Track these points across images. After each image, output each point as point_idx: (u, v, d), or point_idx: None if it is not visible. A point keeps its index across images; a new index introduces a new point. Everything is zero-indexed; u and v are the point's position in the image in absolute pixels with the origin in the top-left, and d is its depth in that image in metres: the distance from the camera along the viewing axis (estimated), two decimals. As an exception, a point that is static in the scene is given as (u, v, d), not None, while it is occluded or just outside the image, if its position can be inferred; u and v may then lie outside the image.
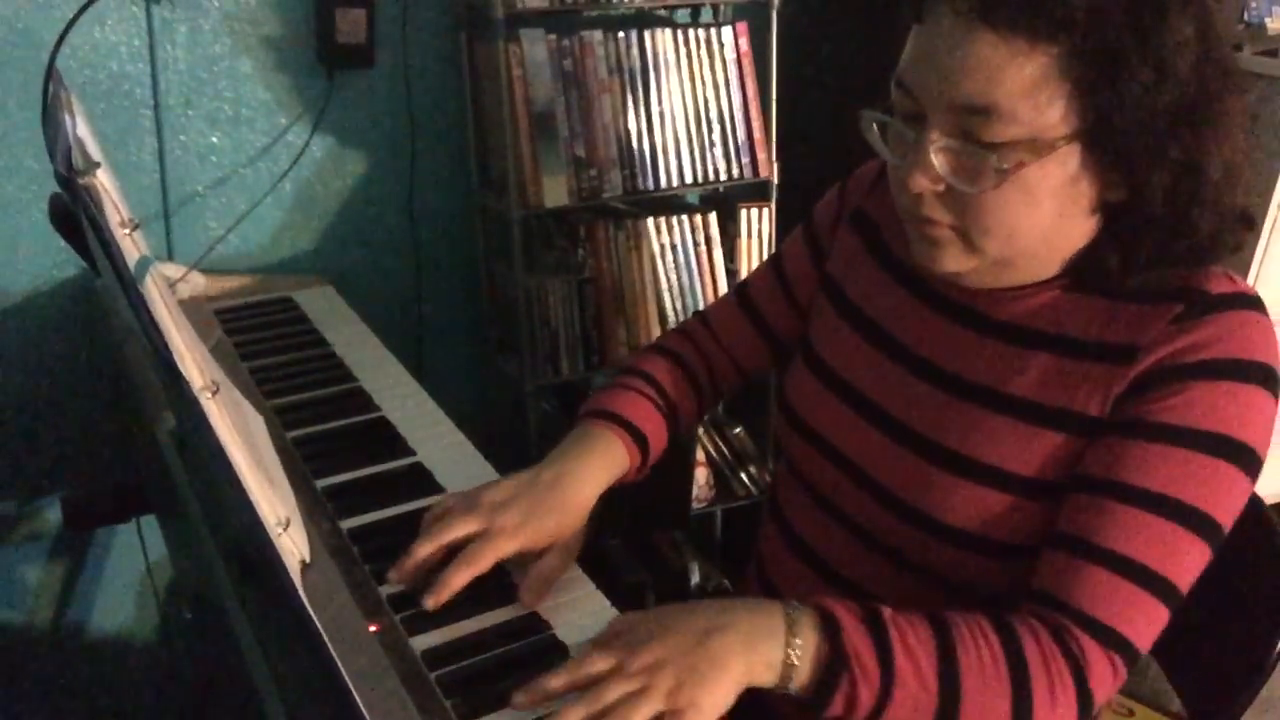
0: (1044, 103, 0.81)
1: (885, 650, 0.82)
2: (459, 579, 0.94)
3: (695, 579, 1.96)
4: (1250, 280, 2.19)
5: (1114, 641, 0.84)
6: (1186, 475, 0.84)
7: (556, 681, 0.83)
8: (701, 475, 2.05)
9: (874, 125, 0.92)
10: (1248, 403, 0.85)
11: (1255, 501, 1.09)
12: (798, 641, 0.82)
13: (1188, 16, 0.81)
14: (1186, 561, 0.85)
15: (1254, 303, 0.88)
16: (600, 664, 0.83)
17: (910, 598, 0.97)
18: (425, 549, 0.96)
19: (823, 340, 1.09)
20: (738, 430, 2.11)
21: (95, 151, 0.94)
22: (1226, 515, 0.86)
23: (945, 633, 0.83)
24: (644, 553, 2.00)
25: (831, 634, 0.82)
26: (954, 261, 0.91)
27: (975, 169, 0.85)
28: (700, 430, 2.05)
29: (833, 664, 0.81)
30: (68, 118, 0.87)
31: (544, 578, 0.98)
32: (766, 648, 0.82)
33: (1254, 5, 2.24)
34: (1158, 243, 0.87)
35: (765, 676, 0.82)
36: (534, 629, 0.94)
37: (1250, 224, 0.90)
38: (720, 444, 2.11)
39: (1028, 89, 0.81)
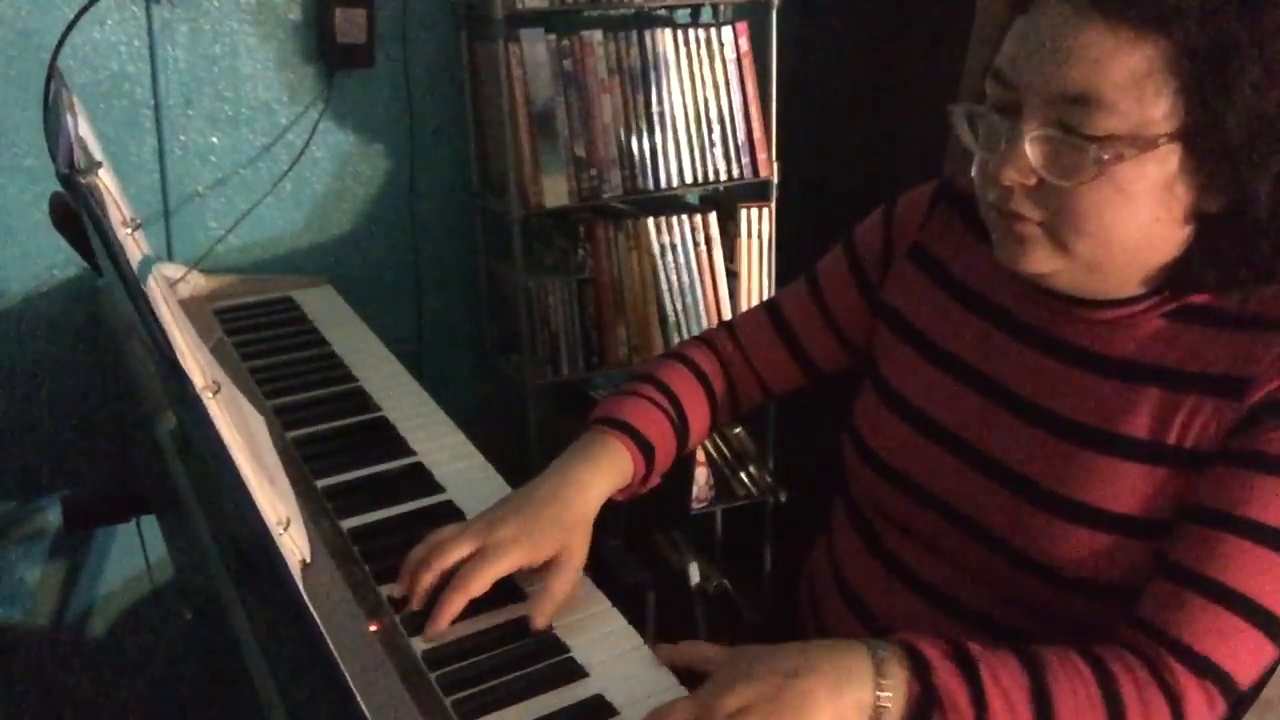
0: (1148, 97, 0.79)
1: (977, 688, 0.79)
2: (454, 605, 0.92)
3: (695, 579, 1.95)
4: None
5: (1210, 672, 0.81)
6: None
7: None
8: (701, 475, 2.05)
9: (965, 119, 0.90)
10: None
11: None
12: (886, 683, 0.79)
13: None
14: None
15: None
16: (680, 714, 0.80)
17: (1008, 619, 0.95)
18: (426, 580, 0.94)
19: (893, 371, 1.05)
20: (738, 430, 2.11)
21: (96, 151, 0.94)
22: None
23: (1037, 668, 0.81)
24: (644, 553, 2.00)
25: (921, 672, 0.79)
26: (1040, 262, 0.87)
27: (1071, 161, 0.82)
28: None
29: (924, 704, 0.79)
30: (69, 117, 0.87)
31: (552, 597, 0.94)
32: (855, 690, 0.79)
33: None
34: (1255, 256, 0.83)
35: None
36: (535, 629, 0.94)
37: None
38: (720, 444, 2.11)
39: (1133, 81, 0.79)
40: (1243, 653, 0.81)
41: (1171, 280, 0.88)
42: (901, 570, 1.03)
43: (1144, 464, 0.87)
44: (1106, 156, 0.80)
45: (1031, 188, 0.85)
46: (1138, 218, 0.83)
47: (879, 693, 0.79)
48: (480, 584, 0.92)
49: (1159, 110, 0.79)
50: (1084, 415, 0.91)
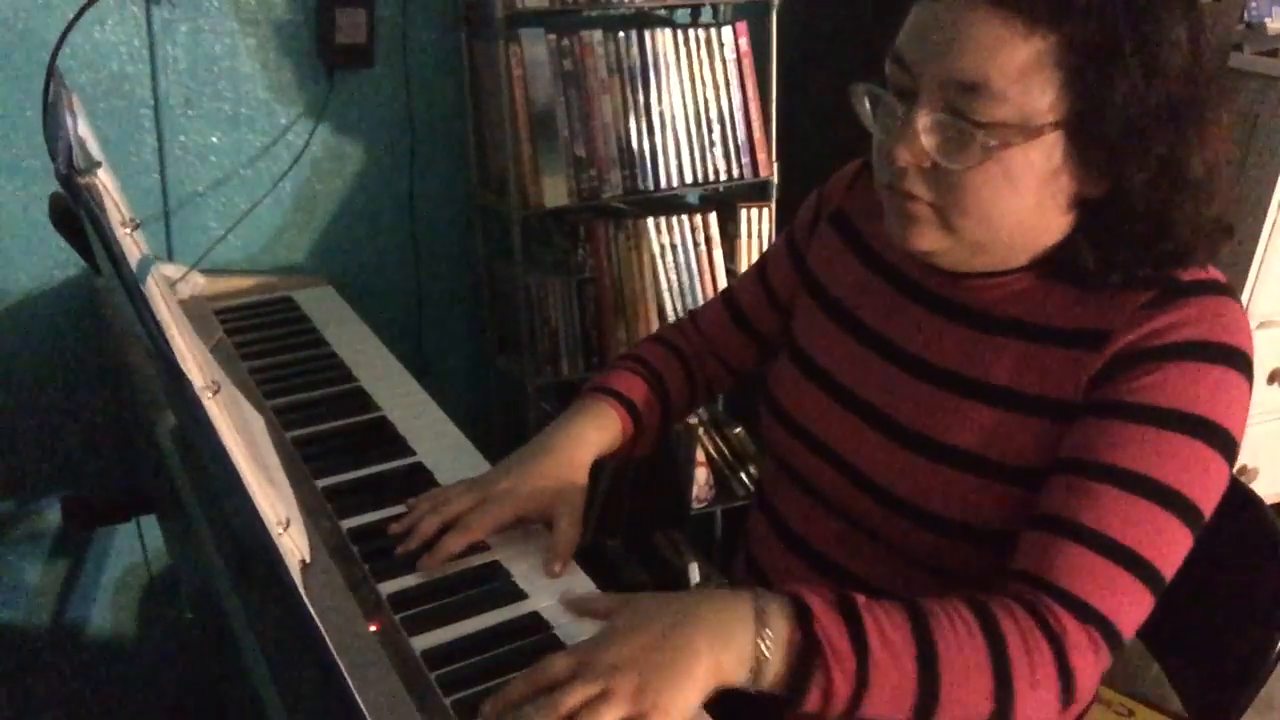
0: (1035, 87, 0.83)
1: (860, 635, 0.80)
2: (455, 544, 0.99)
3: (695, 579, 1.96)
4: (1250, 280, 2.19)
5: (1091, 616, 0.83)
6: (1161, 454, 0.84)
7: (517, 691, 0.81)
8: (701, 475, 2.05)
9: (865, 99, 0.93)
10: (1221, 384, 0.86)
11: (1255, 501, 1.09)
12: (768, 632, 0.80)
13: (1182, 20, 0.83)
14: (1164, 542, 0.84)
15: (1224, 289, 0.89)
16: (560, 666, 0.80)
17: (897, 584, 0.99)
18: (427, 528, 1.00)
19: (805, 334, 1.11)
20: (738, 430, 2.11)
21: (96, 151, 0.94)
22: (1205, 498, 0.86)
23: (921, 616, 0.82)
24: (644, 553, 2.01)
25: (803, 622, 0.80)
26: (928, 240, 0.91)
27: (961, 146, 0.86)
28: (700, 430, 2.05)
29: (806, 653, 0.79)
30: (68, 117, 0.87)
31: (565, 543, 1.01)
32: (736, 640, 0.80)
33: (1254, 5, 2.24)
34: (1133, 243, 0.88)
35: (736, 672, 0.80)
36: (534, 629, 0.94)
37: (1229, 233, 0.91)
38: (720, 444, 2.10)
39: (1021, 71, 0.82)
40: (1119, 598, 0.84)
41: (1053, 259, 0.92)
42: (802, 546, 1.08)
43: (1011, 411, 0.92)
44: (994, 143, 0.84)
45: (924, 169, 0.88)
46: (1022, 202, 0.87)
47: (760, 642, 0.80)
48: (481, 527, 1.00)
49: (1045, 100, 0.83)
50: (951, 362, 0.96)
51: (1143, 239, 0.87)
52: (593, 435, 1.09)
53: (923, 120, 0.86)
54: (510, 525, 1.03)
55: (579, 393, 1.17)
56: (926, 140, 0.87)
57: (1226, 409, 0.86)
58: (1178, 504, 0.84)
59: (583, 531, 1.03)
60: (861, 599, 0.83)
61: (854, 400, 1.02)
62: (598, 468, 1.12)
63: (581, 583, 1.01)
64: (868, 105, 0.93)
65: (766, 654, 0.80)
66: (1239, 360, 0.86)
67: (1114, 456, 0.85)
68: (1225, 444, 0.86)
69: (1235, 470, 0.90)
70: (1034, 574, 0.85)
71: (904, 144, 0.87)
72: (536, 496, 1.03)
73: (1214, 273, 0.90)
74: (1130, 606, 0.84)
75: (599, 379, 1.17)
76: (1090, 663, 0.83)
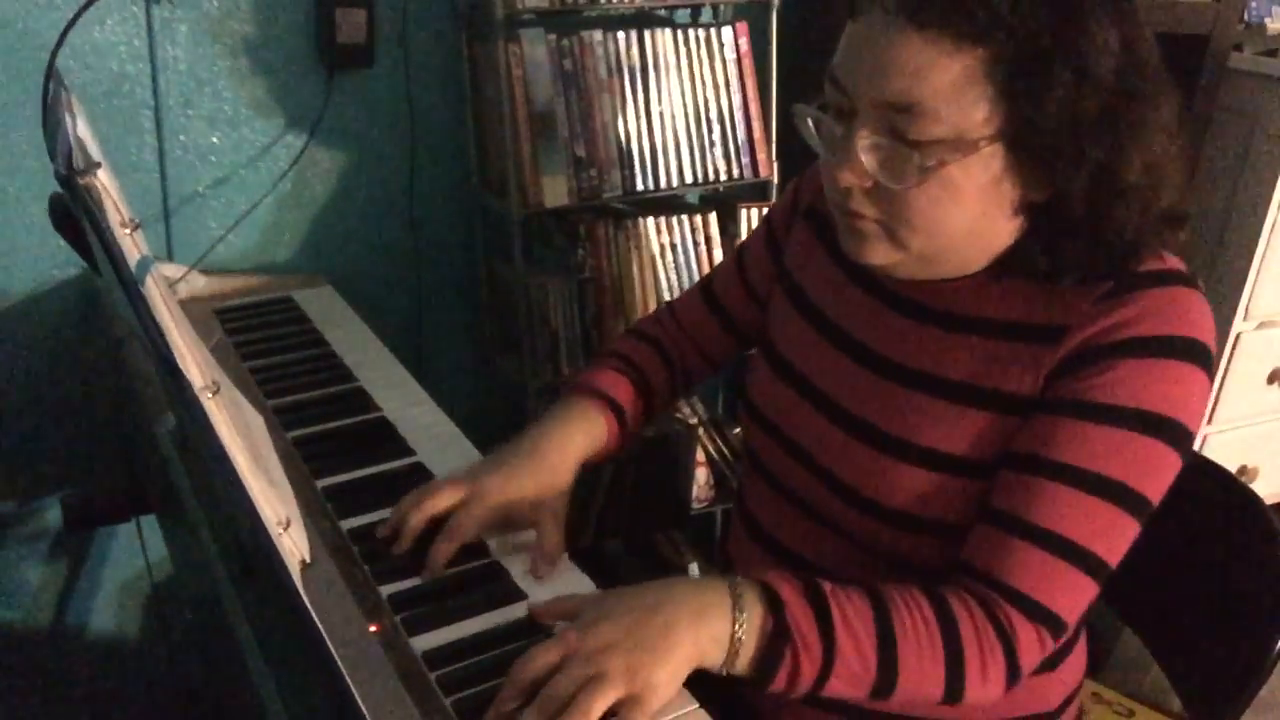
0: (968, 104, 0.83)
1: (826, 623, 0.84)
2: (445, 552, 0.99)
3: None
4: (1250, 280, 2.19)
5: (1041, 615, 0.87)
6: (1113, 451, 0.86)
7: (508, 696, 0.82)
8: (701, 475, 2.05)
9: (808, 119, 0.94)
10: (1176, 378, 0.86)
11: (1255, 501, 1.09)
12: (743, 616, 0.83)
13: (1110, 22, 0.83)
14: (1112, 535, 0.87)
15: (1183, 278, 0.89)
16: (546, 657, 0.82)
17: (863, 579, 0.98)
18: (413, 522, 1.01)
19: (779, 333, 1.12)
20: (738, 430, 2.11)
21: (95, 151, 0.94)
22: (1154, 490, 0.88)
23: (882, 605, 0.86)
24: (644, 553, 2.01)
25: (775, 608, 0.84)
26: (880, 254, 0.92)
27: (900, 166, 0.86)
28: (700, 430, 2.05)
29: (776, 638, 0.83)
30: (68, 117, 0.87)
31: (550, 547, 1.01)
32: (714, 623, 0.83)
33: (1254, 5, 2.24)
34: (1082, 242, 0.88)
35: (713, 653, 0.83)
36: (534, 629, 0.94)
37: (1182, 222, 0.91)
38: (720, 444, 2.10)
39: (952, 89, 0.83)
40: (1067, 592, 0.87)
41: (1005, 263, 0.93)
42: (771, 543, 1.09)
43: (965, 406, 0.93)
44: (931, 163, 0.85)
45: (868, 188, 0.89)
46: (967, 213, 0.88)
47: (736, 626, 0.83)
48: (465, 530, 1.00)
49: (979, 115, 0.83)
50: (912, 361, 0.97)
51: (1088, 240, 0.88)
52: (579, 439, 1.10)
53: (861, 142, 0.87)
54: (493, 525, 1.03)
55: (565, 390, 1.17)
56: (867, 161, 0.87)
57: (1183, 403, 0.87)
58: (1128, 499, 0.87)
59: (576, 534, 1.04)
60: (828, 587, 0.87)
61: (824, 400, 1.03)
62: (594, 470, 1.13)
63: (581, 583, 1.01)
64: (811, 126, 0.94)
65: (741, 638, 0.83)
66: (1197, 352, 0.87)
67: (1066, 454, 0.87)
68: (1179, 438, 0.87)
69: (1235, 470, 0.90)
70: (985, 571, 0.88)
71: (845, 165, 0.88)
72: (520, 498, 1.03)
73: (1172, 261, 0.90)
74: (1077, 599, 0.88)
75: (584, 376, 1.18)
76: (1036, 657, 0.88)
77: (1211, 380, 0.89)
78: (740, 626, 0.83)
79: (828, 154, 0.92)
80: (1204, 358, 0.88)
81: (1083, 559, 0.86)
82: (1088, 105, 0.83)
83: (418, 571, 0.99)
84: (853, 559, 1.01)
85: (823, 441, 1.02)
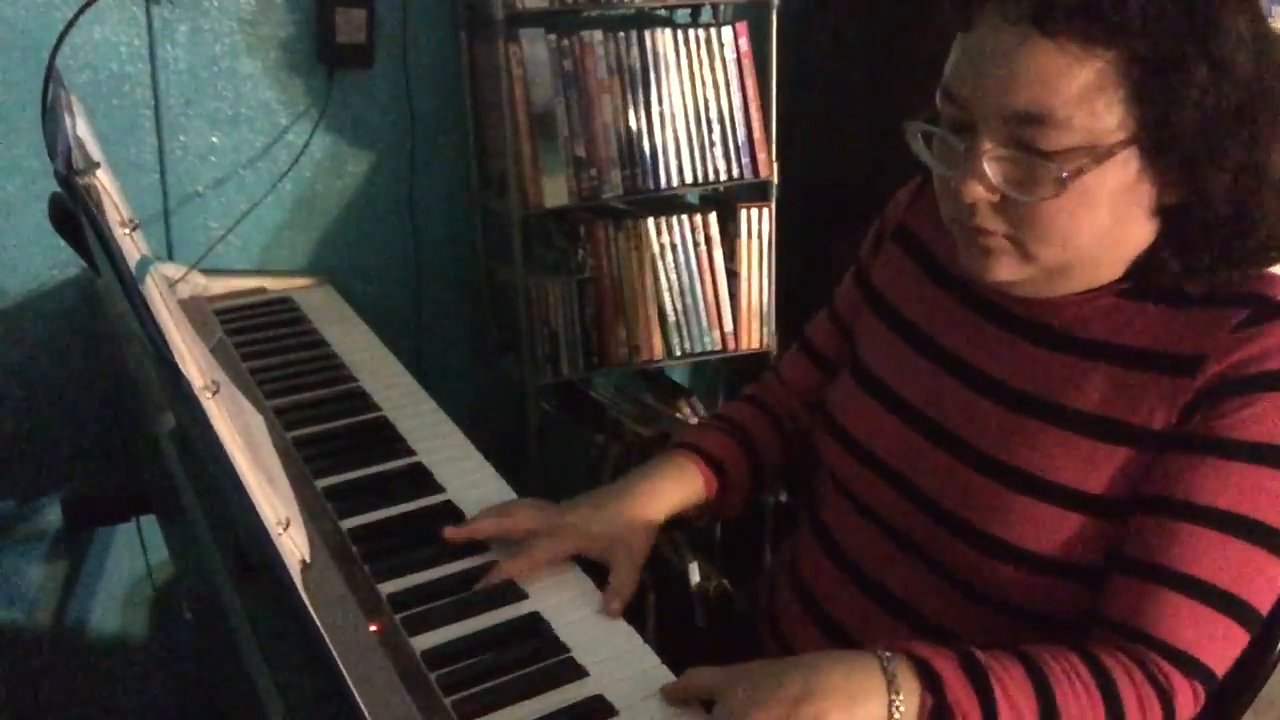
0: (1101, 109, 0.80)
1: (988, 699, 0.79)
2: (516, 568, 1.00)
3: (695, 579, 1.95)
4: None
5: (1197, 670, 0.83)
6: (1256, 492, 0.82)
7: None
8: (701, 475, 2.04)
9: (919, 135, 0.90)
10: None
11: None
12: (899, 698, 0.79)
13: (1242, 13, 0.80)
14: (1262, 581, 0.83)
15: None
16: None
17: (962, 614, 0.95)
18: (486, 527, 1.03)
19: (869, 351, 1.07)
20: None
21: (95, 151, 0.94)
22: None
23: (1041, 674, 0.81)
24: (644, 553, 2.00)
25: (933, 686, 0.79)
26: (1008, 270, 0.88)
27: (1032, 178, 0.83)
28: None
29: (937, 718, 0.79)
30: (68, 117, 0.87)
31: (620, 589, 0.99)
32: (868, 708, 0.79)
33: (1254, 5, 2.23)
34: (1219, 244, 0.85)
35: None
36: (534, 629, 0.94)
37: None
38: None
39: (1084, 96, 0.79)
40: (1221, 644, 0.83)
41: (1136, 271, 0.89)
42: (855, 570, 1.04)
43: (1093, 438, 0.88)
44: (1066, 173, 0.81)
45: (995, 203, 0.85)
46: (1101, 221, 0.84)
47: (893, 709, 0.79)
48: (538, 560, 1.00)
49: (1112, 119, 0.80)
50: (1034, 387, 0.92)
51: (1226, 240, 0.84)
52: (671, 489, 1.08)
53: (987, 155, 0.83)
54: (564, 559, 1.02)
55: (666, 449, 1.15)
56: (994, 174, 0.84)
57: None
58: (1273, 540, 0.83)
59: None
60: (984, 657, 0.82)
61: (923, 420, 0.98)
62: (591, 471, 1.12)
63: (582, 583, 1.01)
64: (922, 142, 0.90)
65: (900, 718, 0.79)
66: None
67: (1206, 496, 0.83)
68: None
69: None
70: (1134, 625, 0.84)
71: (971, 180, 0.84)
72: (599, 537, 1.02)
73: None
74: (1229, 650, 0.84)
75: (684, 436, 1.15)
76: (1190, 713, 0.84)
77: None
78: (898, 710, 0.78)
79: (947, 170, 0.88)
80: None
81: (1234, 607, 0.82)
82: (1225, 101, 0.79)
83: (415, 570, 0.99)
84: (941, 590, 0.96)
85: (930, 470, 0.96)
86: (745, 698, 0.80)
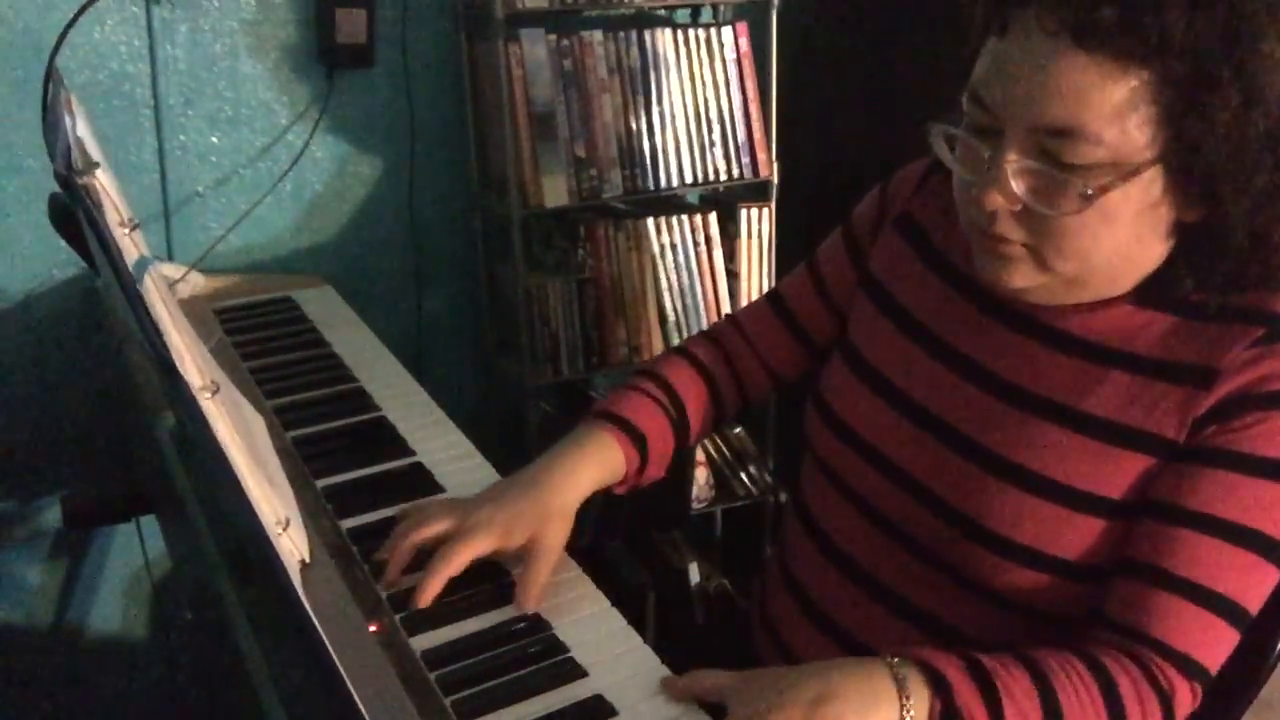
0: (1131, 127, 0.79)
1: (995, 705, 0.80)
2: (435, 582, 0.94)
3: (695, 579, 1.95)
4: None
5: (1195, 671, 0.85)
6: (1266, 505, 0.84)
7: None
8: (701, 475, 2.04)
9: (942, 137, 0.90)
10: None
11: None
12: (910, 703, 0.80)
13: (1276, 37, 0.79)
14: (1257, 587, 0.85)
15: None
16: None
17: (961, 609, 0.96)
18: (400, 550, 0.97)
19: (865, 340, 1.06)
20: (738, 430, 2.11)
21: (95, 151, 0.94)
22: None
23: (1044, 677, 0.82)
24: (644, 553, 2.00)
25: (942, 692, 0.80)
26: (1023, 278, 0.89)
27: (1056, 191, 0.82)
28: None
29: None
30: (68, 117, 0.87)
31: (529, 582, 0.96)
32: (882, 711, 0.80)
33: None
34: (1233, 264, 0.85)
35: None
36: (534, 629, 0.94)
37: None
38: (720, 444, 2.10)
39: (1116, 113, 0.79)
40: (1217, 646, 0.85)
41: (1149, 286, 0.90)
42: (849, 565, 1.03)
43: (1104, 443, 0.89)
44: (1091, 190, 0.81)
45: (1015, 212, 0.85)
46: (1120, 237, 0.85)
47: (904, 714, 0.80)
48: (454, 565, 0.95)
49: (1142, 138, 0.80)
50: (1046, 390, 0.92)
51: (1241, 261, 0.85)
52: (591, 473, 1.03)
53: (1012, 165, 0.83)
54: (484, 556, 0.97)
55: (590, 410, 1.10)
56: (1017, 184, 0.83)
57: None
58: (1273, 551, 0.84)
59: (576, 534, 1.00)
60: (990, 663, 0.83)
61: (925, 416, 0.98)
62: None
63: (582, 583, 1.01)
64: (945, 144, 0.90)
65: None
66: None
67: (1214, 506, 0.84)
68: None
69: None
70: (1136, 627, 0.85)
71: (994, 188, 0.84)
72: (514, 531, 0.97)
73: None
74: (1224, 652, 0.86)
75: (612, 402, 1.10)
76: (1187, 712, 0.86)
77: None
78: (909, 714, 0.80)
79: (969, 175, 0.87)
80: None
81: (1232, 612, 0.84)
82: (1255, 127, 0.79)
83: (415, 570, 0.99)
84: (939, 585, 0.96)
85: (929, 463, 0.96)
86: (763, 704, 0.80)
